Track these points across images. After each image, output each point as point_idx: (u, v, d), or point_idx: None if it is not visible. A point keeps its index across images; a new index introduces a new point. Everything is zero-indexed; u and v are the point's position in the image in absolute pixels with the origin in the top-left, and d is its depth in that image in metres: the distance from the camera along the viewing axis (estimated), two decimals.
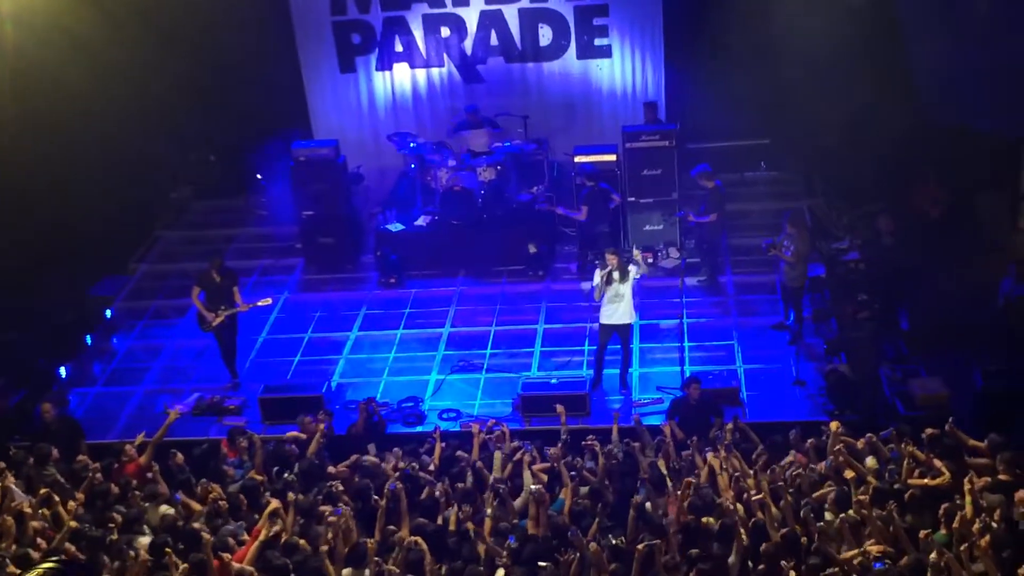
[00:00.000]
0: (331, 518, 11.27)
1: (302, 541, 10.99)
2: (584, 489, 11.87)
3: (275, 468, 12.85)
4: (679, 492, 11.35)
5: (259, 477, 12.50)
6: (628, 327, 14.75)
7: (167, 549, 10.58)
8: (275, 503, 11.40)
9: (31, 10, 16.68)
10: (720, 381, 14.64)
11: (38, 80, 17.07)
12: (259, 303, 15.64)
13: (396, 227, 18.14)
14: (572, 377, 15.13)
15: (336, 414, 14.61)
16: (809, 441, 12.53)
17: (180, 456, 13.01)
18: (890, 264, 16.42)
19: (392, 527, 11.18)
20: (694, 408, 13.62)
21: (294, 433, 13.49)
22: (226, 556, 10.63)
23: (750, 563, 10.37)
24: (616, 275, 14.37)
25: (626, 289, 14.46)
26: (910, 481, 11.31)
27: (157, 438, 13.26)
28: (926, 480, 11.30)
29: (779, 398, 14.70)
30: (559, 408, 13.47)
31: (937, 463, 11.49)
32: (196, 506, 12.02)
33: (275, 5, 19.90)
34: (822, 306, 16.24)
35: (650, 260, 17.68)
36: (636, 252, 15.04)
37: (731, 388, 14.60)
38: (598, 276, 14.47)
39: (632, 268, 14.50)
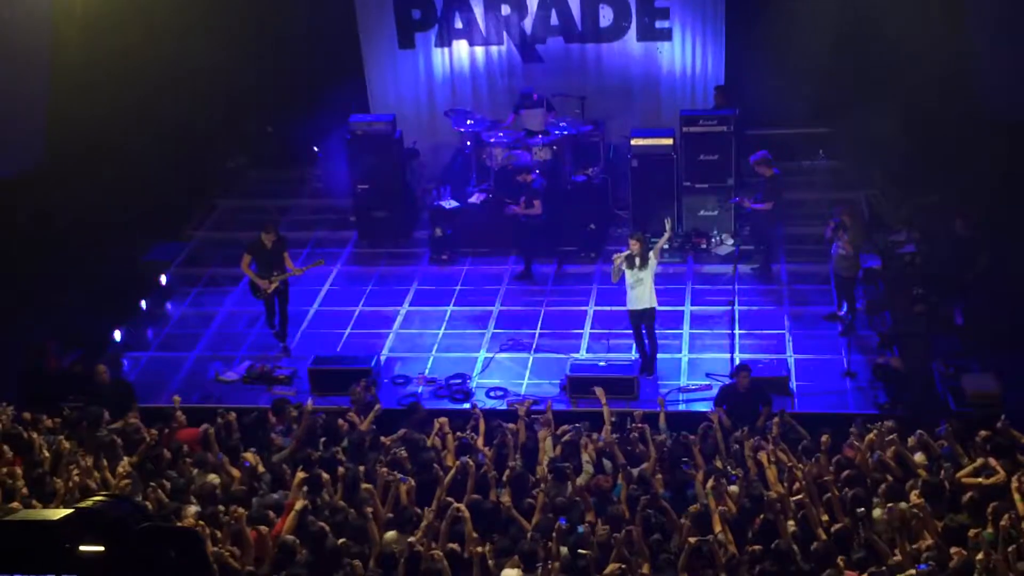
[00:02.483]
0: (385, 476, 11.41)
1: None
2: (634, 471, 11.86)
3: (323, 439, 12.96)
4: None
5: (293, 448, 12.62)
6: (651, 312, 14.72)
7: (200, 522, 10.70)
8: (302, 474, 11.48)
9: None
10: (770, 370, 14.57)
11: (102, 47, 17.25)
12: (311, 265, 15.84)
13: (450, 204, 18.17)
14: (620, 360, 15.13)
15: (383, 388, 14.75)
16: (855, 436, 12.45)
17: (233, 415, 13.14)
18: (957, 258, 16.14)
19: (451, 499, 11.21)
20: (743, 396, 13.56)
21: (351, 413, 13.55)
22: (263, 528, 10.76)
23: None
24: (637, 260, 14.37)
25: (646, 275, 14.46)
26: (963, 480, 11.23)
27: None
28: (980, 479, 11.21)
29: (829, 389, 14.60)
30: (598, 391, 13.46)
31: (992, 462, 11.38)
32: (236, 473, 12.15)
33: None
34: (876, 298, 16.11)
35: (703, 245, 17.70)
36: (668, 223, 14.96)
37: (781, 377, 14.53)
38: (617, 259, 14.49)
39: (651, 256, 14.47)
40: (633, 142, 17.76)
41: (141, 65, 17.75)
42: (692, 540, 10.21)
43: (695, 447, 12.25)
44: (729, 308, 15.53)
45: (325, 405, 13.99)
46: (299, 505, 11.06)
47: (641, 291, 14.55)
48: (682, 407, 14.39)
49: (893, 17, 17.42)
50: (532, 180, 16.99)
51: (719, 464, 11.99)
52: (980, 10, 17.24)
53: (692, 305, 16.53)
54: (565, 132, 18.24)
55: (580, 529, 10.80)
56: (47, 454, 12.31)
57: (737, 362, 14.40)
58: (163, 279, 17.65)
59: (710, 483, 11.20)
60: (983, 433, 11.86)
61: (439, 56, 20.33)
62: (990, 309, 15.39)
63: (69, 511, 6.06)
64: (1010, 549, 9.75)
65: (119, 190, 17.51)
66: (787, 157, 18.41)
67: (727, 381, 14.17)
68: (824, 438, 12.04)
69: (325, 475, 11.65)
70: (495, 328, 16.33)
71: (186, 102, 18.37)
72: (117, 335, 16.40)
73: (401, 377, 15.23)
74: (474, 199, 18.21)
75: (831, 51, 18.06)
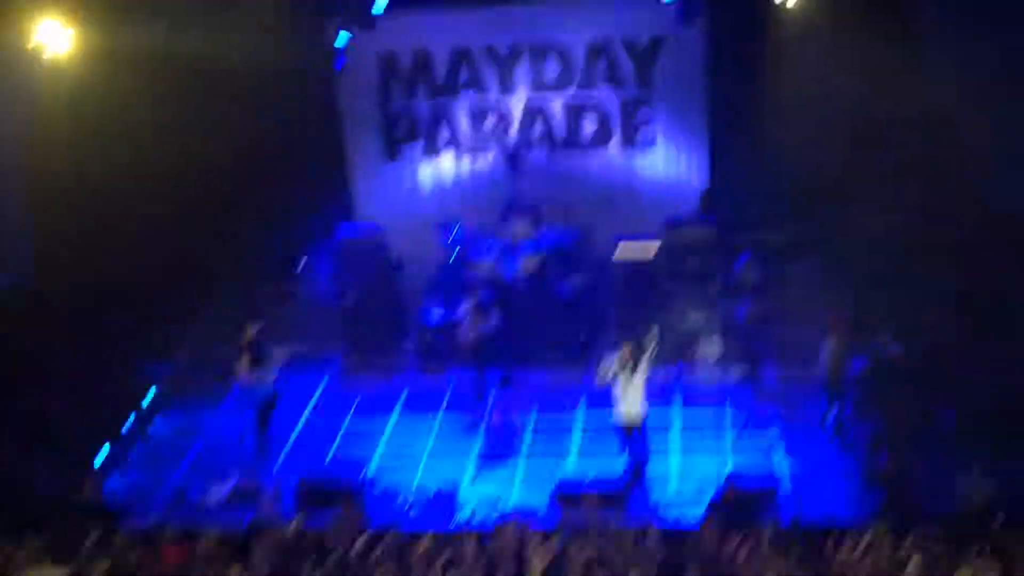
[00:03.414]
0: None
1: None
2: None
3: (312, 556, 12.77)
4: None
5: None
6: (641, 418, 14.70)
7: None
8: None
9: (81, 101, 17.05)
10: (759, 477, 14.46)
11: (86, 161, 17.33)
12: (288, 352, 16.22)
13: (436, 314, 18.16)
14: (609, 473, 15.02)
15: (372, 502, 14.59)
16: (848, 542, 12.31)
17: (216, 535, 12.97)
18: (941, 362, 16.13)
19: None
20: (733, 505, 13.43)
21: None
22: None
23: None
24: (627, 367, 14.39)
25: (636, 381, 14.48)
26: None
27: None
28: None
29: (819, 495, 14.48)
30: (589, 501, 13.33)
31: (986, 566, 11.24)
32: None
33: (324, 88, 20.15)
34: (865, 402, 16.05)
35: (690, 351, 17.66)
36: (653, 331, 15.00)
37: (770, 484, 14.41)
38: (605, 363, 14.53)
39: (642, 363, 14.47)
40: (618, 249, 17.84)
41: (128, 175, 17.71)
42: None
43: (690, 560, 12.10)
44: (717, 413, 15.47)
45: (311, 524, 13.80)
46: None
47: (632, 397, 14.53)
48: (672, 515, 14.24)
49: (880, 119, 17.56)
50: (479, 297, 17.08)
51: None
52: (974, 108, 17.30)
53: (681, 410, 16.45)
54: (551, 241, 18.34)
55: None
56: None
57: (727, 468, 14.31)
58: (151, 393, 17.53)
59: None
60: (977, 538, 11.76)
61: (425, 166, 20.51)
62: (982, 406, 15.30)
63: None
64: None
65: (106, 305, 17.43)
66: (773, 262, 18.45)
67: (717, 489, 14.00)
68: (821, 544, 11.92)
69: None
70: (484, 437, 16.22)
71: (172, 212, 18.24)
72: (102, 453, 16.23)
73: (389, 491, 15.08)
74: (460, 310, 18.18)
75: (816, 156, 18.19)
